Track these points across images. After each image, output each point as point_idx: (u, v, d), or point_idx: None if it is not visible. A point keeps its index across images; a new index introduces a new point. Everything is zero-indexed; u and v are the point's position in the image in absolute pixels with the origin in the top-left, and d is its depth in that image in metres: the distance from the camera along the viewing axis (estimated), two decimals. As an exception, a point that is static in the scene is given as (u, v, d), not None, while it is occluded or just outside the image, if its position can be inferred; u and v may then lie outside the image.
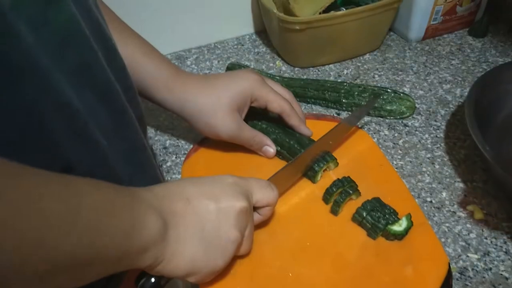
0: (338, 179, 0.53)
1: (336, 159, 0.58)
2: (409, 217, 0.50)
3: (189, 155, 0.62)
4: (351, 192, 0.52)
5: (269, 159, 0.60)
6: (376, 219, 0.50)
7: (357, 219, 0.51)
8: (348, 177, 0.54)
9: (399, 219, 0.50)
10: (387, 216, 0.50)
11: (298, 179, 0.57)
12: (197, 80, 0.59)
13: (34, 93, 0.32)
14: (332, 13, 0.74)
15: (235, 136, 0.57)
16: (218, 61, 0.82)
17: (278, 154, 0.60)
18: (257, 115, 0.62)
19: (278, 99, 0.59)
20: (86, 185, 0.32)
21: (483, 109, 0.59)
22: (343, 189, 0.52)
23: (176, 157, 0.63)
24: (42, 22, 0.33)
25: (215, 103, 0.56)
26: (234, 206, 0.42)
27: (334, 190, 0.52)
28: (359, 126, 0.66)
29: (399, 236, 0.49)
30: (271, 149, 0.60)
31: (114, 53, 0.45)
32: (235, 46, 0.86)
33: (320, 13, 0.72)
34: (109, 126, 0.42)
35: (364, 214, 0.50)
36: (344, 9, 0.76)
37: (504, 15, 0.86)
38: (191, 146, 0.65)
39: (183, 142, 0.66)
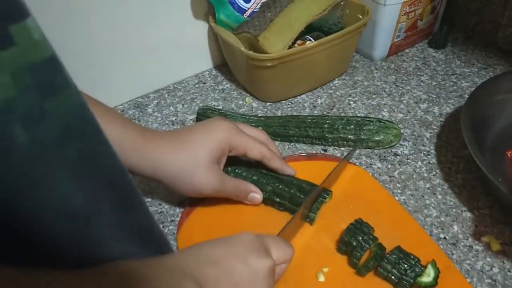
0: (363, 239, 0.49)
1: (331, 191, 0.57)
2: (434, 264, 0.48)
3: (182, 223, 0.55)
4: (378, 252, 0.48)
5: (259, 207, 0.57)
6: (403, 272, 0.46)
7: (382, 273, 0.47)
8: (372, 235, 0.50)
9: (424, 267, 0.47)
10: (413, 267, 0.46)
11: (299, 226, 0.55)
12: (168, 137, 0.53)
13: (27, 202, 0.27)
14: (301, 45, 0.70)
15: (219, 190, 0.53)
16: (183, 105, 0.76)
17: (266, 200, 0.57)
18: (231, 161, 0.58)
19: (257, 145, 0.55)
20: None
21: (475, 131, 0.57)
22: (370, 248, 0.48)
23: (163, 226, 0.57)
24: (39, 118, 0.27)
25: (194, 160, 0.52)
26: (264, 264, 0.41)
27: (362, 253, 0.48)
28: (355, 162, 0.62)
29: (430, 287, 0.46)
30: (258, 195, 0.56)
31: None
32: (197, 85, 0.80)
33: (290, 46, 0.68)
34: (113, 219, 0.35)
35: (389, 268, 0.47)
36: (311, 38, 0.73)
37: (459, 23, 0.87)
38: (177, 210, 0.58)
39: (166, 207, 0.59)
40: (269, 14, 0.68)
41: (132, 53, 0.74)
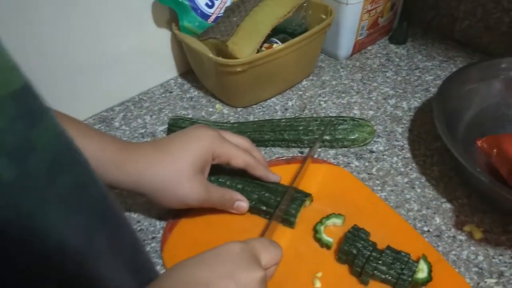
0: (363, 245, 0.48)
1: (310, 194, 0.56)
2: (425, 258, 0.48)
3: (165, 239, 0.53)
4: (374, 255, 0.48)
5: (244, 215, 0.56)
6: (400, 271, 0.46)
7: (379, 276, 0.47)
8: (371, 241, 0.50)
9: (416, 263, 0.47)
10: (408, 265, 0.47)
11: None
12: (149, 148, 0.52)
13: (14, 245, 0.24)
14: (266, 49, 0.69)
15: (204, 200, 0.52)
16: (151, 116, 0.73)
17: (252, 209, 0.55)
18: (214, 170, 0.56)
19: (241, 154, 0.54)
20: None
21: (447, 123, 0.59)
22: (370, 254, 0.48)
23: (144, 244, 0.54)
24: (26, 152, 0.25)
25: (178, 171, 0.50)
26: (254, 276, 0.39)
27: (363, 261, 0.48)
28: (333, 162, 0.62)
29: (426, 283, 0.46)
30: (244, 203, 0.55)
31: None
32: (163, 95, 0.78)
33: (258, 50, 0.67)
34: (105, 250, 0.33)
35: (386, 269, 0.47)
36: (277, 41, 0.72)
37: (417, 18, 0.89)
38: (157, 225, 0.56)
39: (146, 223, 0.57)
40: (234, 18, 0.67)
41: (93, 66, 0.70)
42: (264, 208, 0.54)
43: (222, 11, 0.72)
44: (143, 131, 0.71)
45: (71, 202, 0.28)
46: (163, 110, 0.74)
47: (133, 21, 0.71)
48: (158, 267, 0.52)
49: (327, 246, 0.51)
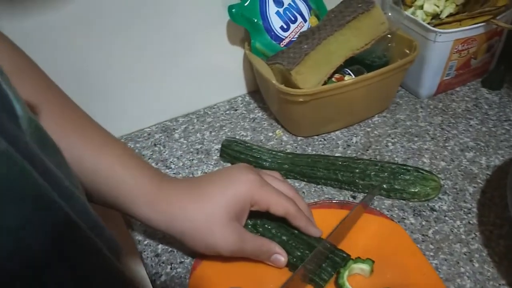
0: None
1: (349, 256, 0.50)
2: None
3: (195, 267, 0.52)
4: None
5: (281, 270, 0.51)
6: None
7: None
8: None
9: None
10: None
11: None
12: (185, 188, 0.50)
13: None
14: (336, 80, 0.65)
15: (237, 250, 0.48)
16: (210, 132, 0.73)
17: (291, 265, 0.51)
18: (262, 214, 0.53)
19: (281, 201, 0.50)
20: None
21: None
22: None
23: (171, 268, 0.53)
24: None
25: (210, 217, 0.48)
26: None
27: None
28: (386, 214, 0.57)
29: None
30: (282, 257, 0.50)
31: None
32: (227, 112, 0.77)
33: (326, 81, 0.64)
34: None
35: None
36: (350, 72, 0.68)
37: (519, 63, 0.79)
38: (188, 249, 0.55)
39: (177, 245, 0.56)
40: (305, 46, 0.63)
41: (165, 75, 0.72)
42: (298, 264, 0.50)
43: (296, 36, 0.69)
44: (199, 147, 0.70)
45: None
46: (224, 128, 0.73)
47: (209, 37, 0.71)
48: (178, 295, 0.51)
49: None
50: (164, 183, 0.49)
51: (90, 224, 0.32)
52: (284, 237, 0.52)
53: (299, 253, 0.50)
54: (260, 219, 0.53)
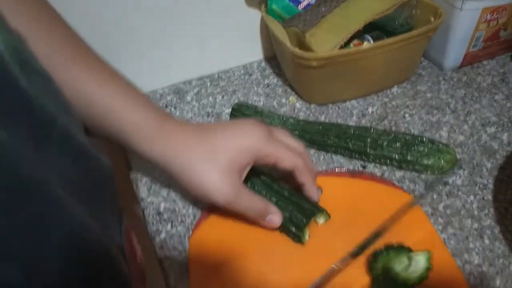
0: None
1: (325, 210, 0.50)
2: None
3: (198, 225, 0.52)
4: None
5: (273, 233, 0.50)
6: None
7: None
8: None
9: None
10: None
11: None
12: (191, 130, 0.49)
13: None
14: (355, 46, 0.63)
15: (231, 201, 0.47)
16: (222, 96, 0.71)
17: (281, 227, 0.49)
18: (253, 177, 0.52)
19: (290, 155, 0.48)
20: None
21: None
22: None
23: (171, 226, 0.53)
24: None
25: (212, 161, 0.46)
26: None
27: None
28: (396, 184, 0.55)
29: None
30: (277, 218, 0.49)
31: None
32: (242, 77, 0.75)
33: (341, 46, 0.61)
34: None
35: None
36: (370, 38, 0.65)
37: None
38: (190, 210, 0.54)
39: (180, 205, 0.55)
40: (323, 8, 0.61)
41: (180, 37, 0.70)
42: (294, 230, 0.49)
43: (315, -2, 0.66)
44: (210, 110, 0.69)
45: None
46: (236, 93, 0.72)
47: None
48: (176, 252, 0.50)
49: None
50: (169, 121, 0.48)
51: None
52: (273, 198, 0.51)
53: (287, 214, 0.49)
54: (249, 181, 0.52)
